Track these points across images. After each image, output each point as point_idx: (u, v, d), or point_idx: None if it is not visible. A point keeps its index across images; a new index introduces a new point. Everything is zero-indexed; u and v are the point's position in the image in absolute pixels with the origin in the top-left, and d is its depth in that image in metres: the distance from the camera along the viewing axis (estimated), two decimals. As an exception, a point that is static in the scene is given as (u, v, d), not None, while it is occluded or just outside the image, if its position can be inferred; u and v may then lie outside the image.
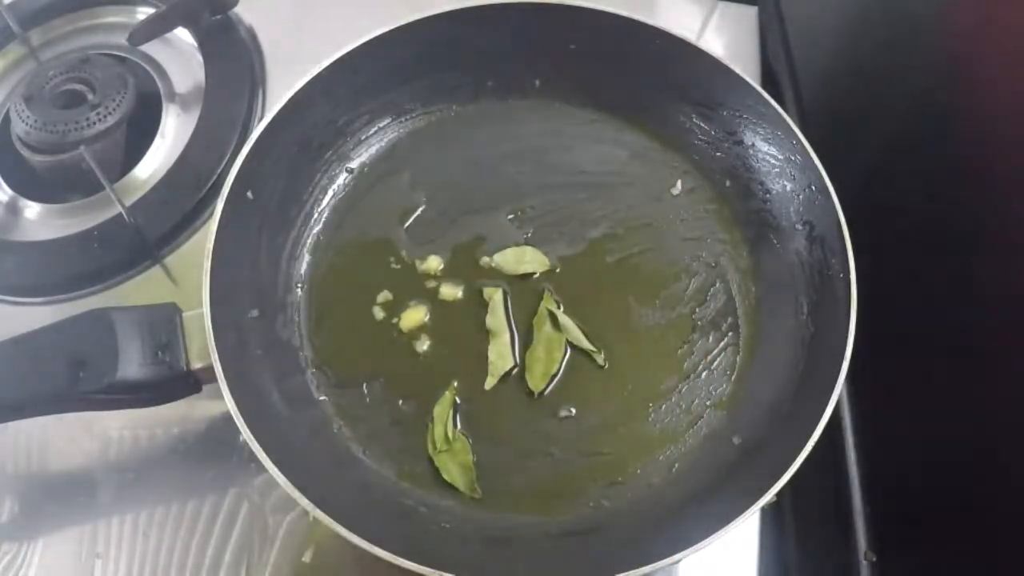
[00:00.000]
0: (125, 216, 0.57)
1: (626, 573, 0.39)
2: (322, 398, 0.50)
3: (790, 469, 0.41)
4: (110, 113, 0.62)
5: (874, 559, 0.50)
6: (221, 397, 0.42)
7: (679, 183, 0.57)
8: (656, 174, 0.58)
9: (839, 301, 0.47)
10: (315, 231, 0.55)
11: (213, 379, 0.43)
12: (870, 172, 0.64)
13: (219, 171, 0.60)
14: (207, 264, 0.46)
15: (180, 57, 0.69)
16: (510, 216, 0.56)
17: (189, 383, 0.46)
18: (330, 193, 0.57)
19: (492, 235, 0.55)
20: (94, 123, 0.61)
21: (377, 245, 0.55)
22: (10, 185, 0.63)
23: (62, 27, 0.72)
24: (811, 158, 0.51)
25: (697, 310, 0.53)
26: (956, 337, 0.52)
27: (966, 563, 0.48)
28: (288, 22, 0.70)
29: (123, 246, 0.58)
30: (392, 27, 0.54)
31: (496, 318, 0.51)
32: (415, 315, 0.52)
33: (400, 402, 0.50)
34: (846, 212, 0.49)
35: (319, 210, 0.56)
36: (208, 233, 0.47)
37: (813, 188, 0.51)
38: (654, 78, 0.57)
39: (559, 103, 0.60)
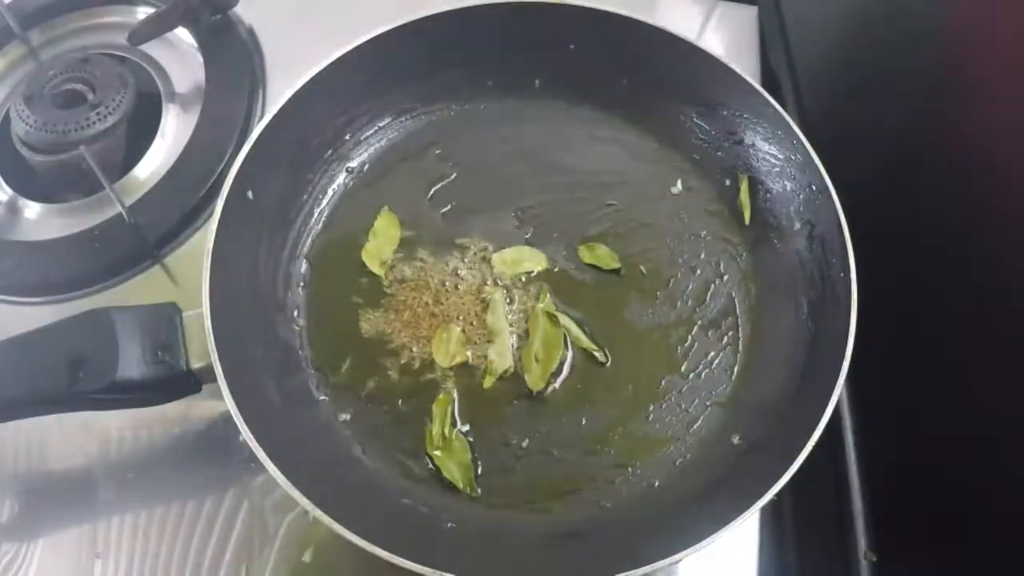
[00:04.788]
0: (125, 216, 0.57)
1: (626, 573, 0.39)
2: (322, 398, 0.50)
3: (790, 469, 0.41)
4: (110, 113, 0.62)
5: (874, 559, 0.50)
6: (221, 397, 0.42)
7: (679, 183, 0.57)
8: (656, 174, 0.58)
9: (839, 301, 0.47)
10: (315, 231, 0.55)
11: (213, 379, 0.43)
12: (870, 172, 0.64)
13: (219, 171, 0.60)
14: (207, 264, 0.46)
15: (180, 57, 0.69)
16: (510, 216, 0.56)
17: (189, 383, 0.46)
18: (330, 193, 0.57)
19: (492, 235, 0.55)
20: (94, 123, 0.61)
21: (377, 245, 0.55)
22: (10, 185, 0.63)
23: (62, 27, 0.71)
24: (811, 157, 0.51)
25: (697, 310, 0.53)
26: (956, 337, 0.52)
27: (966, 563, 0.48)
28: (288, 22, 0.70)
29: (123, 246, 0.58)
30: (392, 27, 0.54)
31: (496, 317, 0.51)
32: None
33: (400, 402, 0.50)
34: (846, 212, 0.49)
35: (319, 210, 0.56)
36: (208, 233, 0.47)
37: (813, 188, 0.51)
38: (654, 78, 0.57)
39: (559, 103, 0.60)
